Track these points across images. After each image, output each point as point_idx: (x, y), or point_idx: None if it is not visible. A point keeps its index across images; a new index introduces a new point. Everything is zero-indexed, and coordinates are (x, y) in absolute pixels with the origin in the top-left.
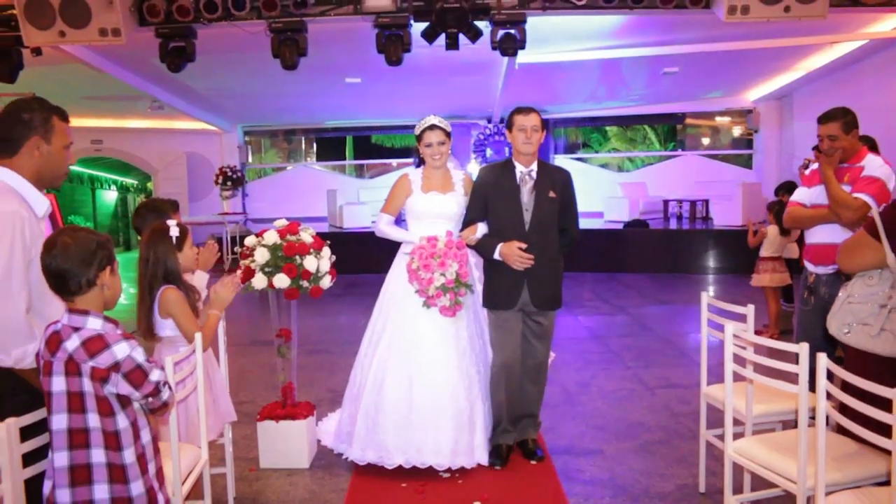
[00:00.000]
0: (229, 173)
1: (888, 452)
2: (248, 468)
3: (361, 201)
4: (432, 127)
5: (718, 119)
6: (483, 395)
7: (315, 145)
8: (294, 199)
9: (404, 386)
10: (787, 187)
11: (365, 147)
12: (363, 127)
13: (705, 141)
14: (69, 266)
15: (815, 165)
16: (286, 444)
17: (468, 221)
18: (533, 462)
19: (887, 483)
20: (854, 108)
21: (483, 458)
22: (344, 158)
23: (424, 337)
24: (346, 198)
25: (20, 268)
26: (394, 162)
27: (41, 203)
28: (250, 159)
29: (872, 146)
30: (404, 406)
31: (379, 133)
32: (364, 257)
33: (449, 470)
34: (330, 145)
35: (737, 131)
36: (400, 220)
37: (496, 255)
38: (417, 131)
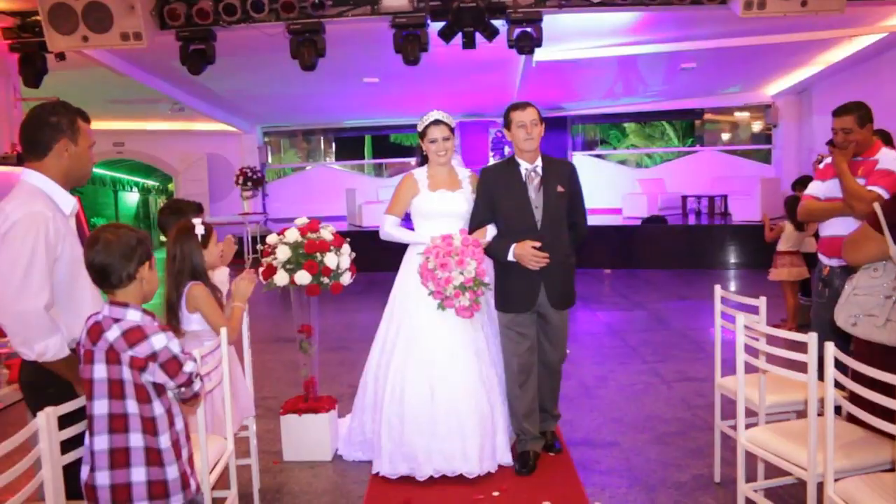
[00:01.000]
0: (249, 174)
1: (894, 438)
2: (272, 461)
3: (381, 200)
4: (436, 122)
5: (737, 114)
6: (502, 396)
7: (334, 145)
8: (313, 199)
9: (426, 395)
10: (804, 182)
11: (383, 146)
12: (381, 126)
13: (724, 136)
14: (111, 261)
15: (828, 160)
16: (309, 437)
17: (476, 225)
18: (551, 454)
19: (894, 470)
20: (874, 102)
21: (505, 458)
22: (362, 157)
23: (441, 342)
24: (366, 196)
25: (42, 266)
26: (412, 160)
27: (68, 201)
28: (270, 160)
29: (887, 140)
30: (428, 416)
31: (397, 132)
32: (384, 255)
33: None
34: (348, 145)
35: (756, 126)
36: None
37: (510, 257)
38: (420, 127)
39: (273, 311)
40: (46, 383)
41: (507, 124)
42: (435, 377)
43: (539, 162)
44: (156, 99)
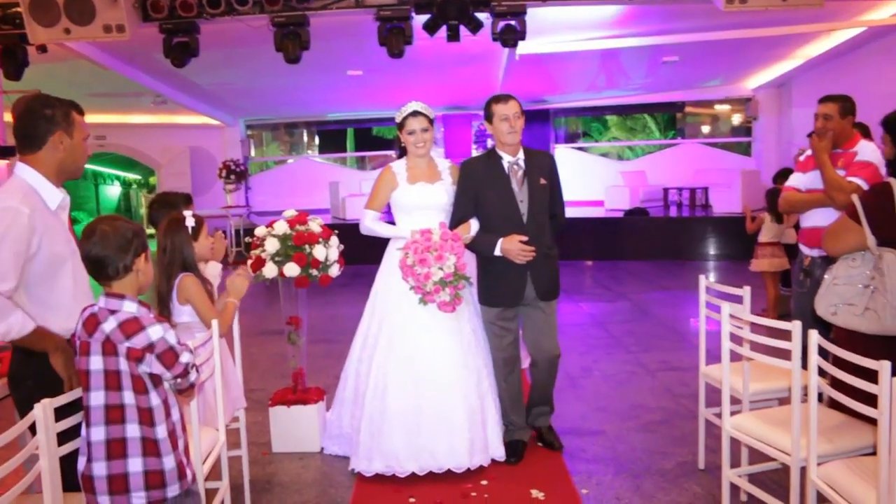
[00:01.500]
0: (233, 167)
1: (875, 423)
2: (261, 452)
3: (364, 192)
4: (415, 113)
5: (718, 107)
6: (492, 388)
7: (317, 138)
8: (297, 192)
9: (409, 390)
10: (785, 174)
11: (366, 139)
12: (364, 119)
13: (705, 129)
14: (108, 252)
15: (809, 152)
16: (298, 428)
17: (458, 219)
18: (541, 445)
19: (874, 454)
20: (853, 95)
21: (498, 452)
22: (345, 150)
23: (425, 337)
24: (349, 189)
25: (7, 259)
26: (394, 153)
27: (54, 197)
28: (253, 153)
29: (866, 133)
30: (412, 411)
31: (380, 125)
32: (367, 248)
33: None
34: (331, 138)
35: (736, 119)
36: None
37: (497, 252)
38: (399, 119)
39: (257, 303)
40: (24, 375)
41: (489, 117)
42: (419, 372)
43: (521, 155)
44: (138, 92)
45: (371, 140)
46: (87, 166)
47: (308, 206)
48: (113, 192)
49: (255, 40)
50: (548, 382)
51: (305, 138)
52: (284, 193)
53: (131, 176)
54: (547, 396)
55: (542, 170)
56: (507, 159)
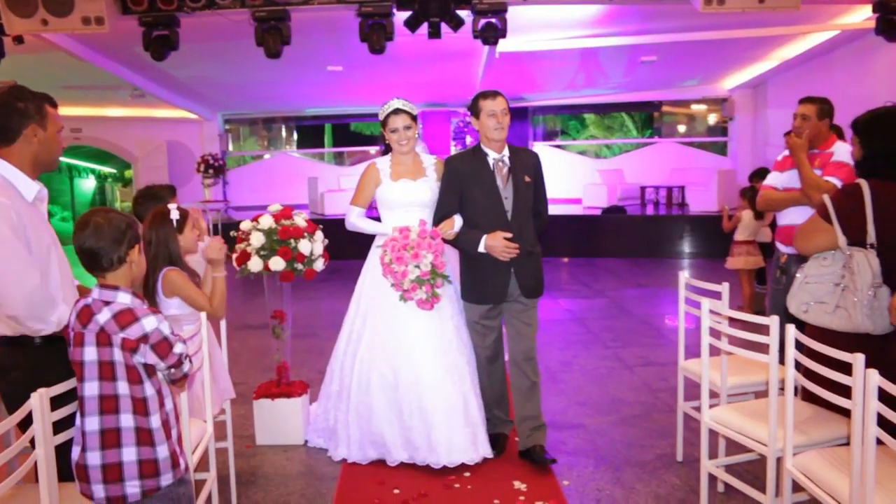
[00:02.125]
0: (211, 161)
1: (848, 414)
2: (245, 445)
3: (343, 188)
4: (397, 111)
5: (694, 107)
6: (475, 387)
7: (295, 133)
8: (275, 187)
9: (391, 386)
10: (761, 173)
11: (344, 134)
12: (342, 115)
13: (681, 128)
14: (102, 244)
15: (786, 152)
16: (282, 420)
17: (442, 216)
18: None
19: (846, 444)
20: (826, 96)
21: (489, 451)
22: (323, 146)
23: (406, 333)
24: (327, 185)
25: (18, 248)
26: (372, 149)
27: (30, 189)
28: (231, 147)
29: (842, 136)
30: (395, 406)
31: (358, 121)
32: (346, 243)
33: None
34: (309, 133)
35: (712, 119)
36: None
37: (481, 248)
38: (382, 116)
39: (239, 297)
40: (11, 366)
41: (476, 112)
42: (401, 368)
43: (507, 152)
44: (116, 85)
45: (349, 136)
46: (62, 159)
47: (286, 201)
48: (88, 185)
49: (236, 35)
50: (530, 388)
51: (283, 133)
52: (262, 188)
53: (107, 169)
54: (535, 407)
55: (527, 167)
56: (492, 156)
